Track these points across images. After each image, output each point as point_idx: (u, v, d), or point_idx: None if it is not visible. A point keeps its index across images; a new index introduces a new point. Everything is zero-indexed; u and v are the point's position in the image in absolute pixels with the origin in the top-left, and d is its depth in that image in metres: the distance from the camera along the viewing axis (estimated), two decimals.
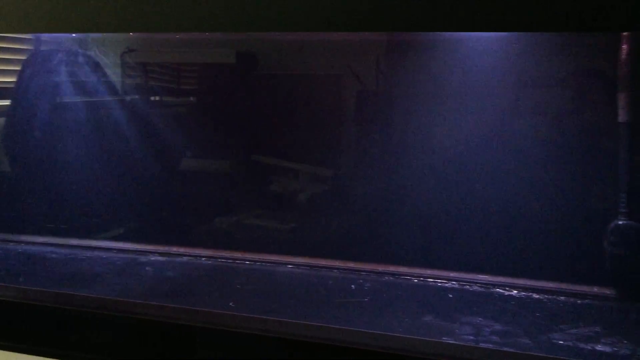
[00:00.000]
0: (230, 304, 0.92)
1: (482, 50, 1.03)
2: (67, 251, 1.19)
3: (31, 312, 0.94)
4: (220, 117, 1.29)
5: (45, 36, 1.33)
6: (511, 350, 0.77)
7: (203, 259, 1.15)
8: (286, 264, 1.11)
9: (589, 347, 0.78)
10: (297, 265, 1.11)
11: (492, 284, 1.00)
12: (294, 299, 0.96)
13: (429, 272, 1.04)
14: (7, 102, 1.33)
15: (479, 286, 1.01)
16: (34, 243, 1.24)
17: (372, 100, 1.16)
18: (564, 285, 0.98)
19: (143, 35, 1.29)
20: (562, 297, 0.96)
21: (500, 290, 0.99)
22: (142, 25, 0.84)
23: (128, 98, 1.33)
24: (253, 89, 1.25)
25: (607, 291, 0.96)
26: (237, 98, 1.27)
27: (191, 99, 1.38)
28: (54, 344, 0.93)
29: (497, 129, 1.05)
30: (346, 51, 1.16)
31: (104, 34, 1.28)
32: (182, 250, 1.17)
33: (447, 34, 1.03)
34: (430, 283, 1.02)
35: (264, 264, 1.12)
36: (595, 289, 0.96)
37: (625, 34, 0.90)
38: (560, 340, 0.80)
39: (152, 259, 1.15)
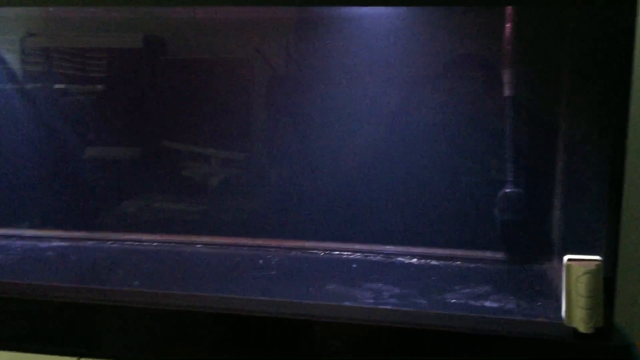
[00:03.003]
0: (135, 282, 0.91)
1: (383, 29, 1.07)
2: None
3: None
4: (128, 104, 1.27)
5: None
6: (406, 309, 0.81)
7: (109, 242, 1.13)
8: (195, 243, 1.11)
9: (478, 304, 0.84)
10: (206, 244, 1.11)
11: (393, 254, 1.05)
12: (199, 275, 0.96)
13: (334, 245, 1.07)
14: None
15: (381, 256, 1.05)
16: None
17: (282, 82, 1.18)
18: (459, 252, 1.04)
19: (44, 16, 1.24)
20: (458, 262, 1.02)
21: (401, 259, 1.03)
22: None
23: (30, 86, 1.28)
24: (162, 74, 1.24)
25: (497, 255, 1.03)
26: (145, 84, 1.25)
27: (98, 86, 1.34)
28: None
29: (397, 108, 1.09)
30: (255, 33, 1.16)
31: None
32: (85, 234, 1.14)
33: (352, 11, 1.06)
34: (336, 256, 1.06)
35: (172, 244, 1.11)
36: (487, 254, 1.03)
37: (507, 12, 0.97)
38: (453, 299, 0.85)
39: (54, 244, 1.12)
